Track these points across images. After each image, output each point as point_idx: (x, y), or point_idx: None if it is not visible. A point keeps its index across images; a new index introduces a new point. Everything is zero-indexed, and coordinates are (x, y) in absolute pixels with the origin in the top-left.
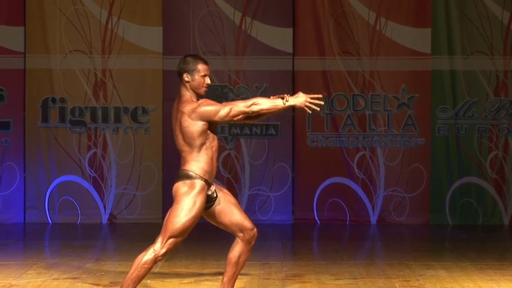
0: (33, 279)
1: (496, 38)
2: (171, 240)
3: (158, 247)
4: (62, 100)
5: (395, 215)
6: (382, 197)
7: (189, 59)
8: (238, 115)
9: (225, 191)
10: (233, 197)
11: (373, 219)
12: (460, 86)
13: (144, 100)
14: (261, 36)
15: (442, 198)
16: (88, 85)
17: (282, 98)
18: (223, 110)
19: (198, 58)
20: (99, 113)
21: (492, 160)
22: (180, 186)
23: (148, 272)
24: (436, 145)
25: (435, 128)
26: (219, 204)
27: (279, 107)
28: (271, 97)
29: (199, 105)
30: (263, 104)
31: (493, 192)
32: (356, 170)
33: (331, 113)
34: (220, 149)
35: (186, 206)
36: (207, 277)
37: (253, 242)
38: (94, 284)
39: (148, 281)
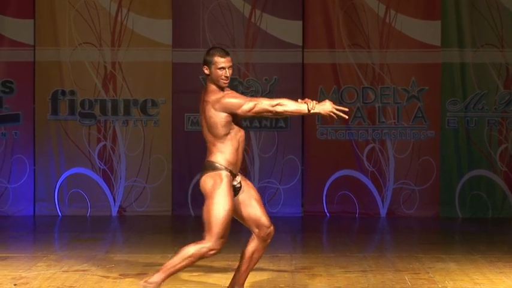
0: (43, 272)
1: (506, 31)
2: (220, 240)
3: (210, 245)
4: (72, 93)
5: (404, 208)
6: (391, 189)
7: (210, 51)
8: (262, 112)
9: (249, 183)
10: (257, 192)
11: (383, 211)
12: (470, 79)
13: (153, 93)
14: (271, 28)
15: (452, 191)
16: (98, 78)
17: (308, 104)
18: (247, 105)
19: (217, 51)
20: (109, 105)
21: (502, 153)
22: (207, 181)
23: (190, 265)
24: (445, 138)
25: (445, 120)
26: (241, 195)
27: (303, 112)
28: (299, 100)
29: (223, 96)
30: (288, 106)
31: (503, 185)
32: (365, 163)
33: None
34: None
35: (220, 200)
36: (217, 270)
37: (268, 240)
38: (104, 276)
39: None
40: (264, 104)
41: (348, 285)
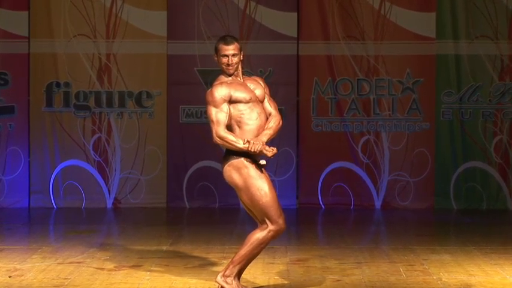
0: (38, 264)
1: (501, 22)
2: (281, 218)
3: (275, 228)
4: (67, 84)
5: (399, 200)
6: (386, 181)
7: (219, 38)
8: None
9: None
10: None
11: (378, 203)
12: (464, 70)
13: (148, 84)
14: (266, 20)
15: (447, 182)
16: (92, 69)
17: (250, 144)
18: (209, 114)
19: (223, 38)
20: (104, 97)
21: (497, 144)
22: (233, 174)
23: (261, 251)
24: (440, 129)
25: (440, 112)
26: None
27: (241, 149)
28: (245, 139)
29: (206, 95)
30: (229, 145)
31: (498, 177)
32: (360, 155)
33: (335, 98)
34: None
35: (258, 184)
36: (212, 261)
37: (275, 236)
38: (99, 268)
39: (153, 266)
40: (217, 131)
41: (343, 277)
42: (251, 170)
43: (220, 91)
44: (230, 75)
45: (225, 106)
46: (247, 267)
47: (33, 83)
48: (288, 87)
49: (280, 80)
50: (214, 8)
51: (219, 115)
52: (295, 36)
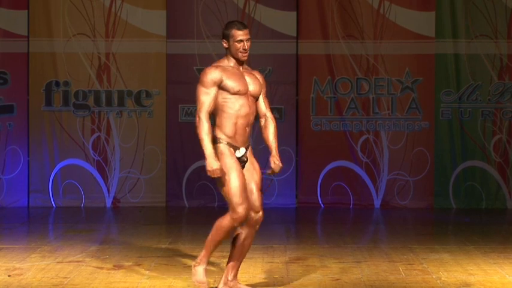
0: (37, 263)
1: (500, 22)
2: (240, 207)
3: (232, 215)
4: (66, 84)
5: (399, 199)
6: (385, 180)
7: (228, 24)
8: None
9: (256, 166)
10: (259, 176)
11: (377, 203)
12: (464, 70)
13: (147, 84)
14: (265, 19)
15: (446, 182)
16: (92, 69)
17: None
18: (198, 94)
19: (234, 24)
20: (103, 96)
21: (496, 144)
22: None
23: (227, 236)
24: (440, 129)
25: (439, 111)
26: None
27: (203, 148)
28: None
29: (201, 74)
30: (200, 134)
31: (497, 176)
32: (360, 154)
33: (335, 97)
34: None
35: (228, 171)
36: (211, 260)
37: (257, 226)
38: (98, 267)
39: (152, 265)
40: (199, 115)
41: (342, 276)
42: (225, 156)
43: (213, 74)
44: (242, 63)
45: (213, 89)
46: (247, 266)
47: (32, 82)
48: (287, 86)
49: (280, 79)
50: (214, 7)
51: (205, 97)
52: (295, 35)
